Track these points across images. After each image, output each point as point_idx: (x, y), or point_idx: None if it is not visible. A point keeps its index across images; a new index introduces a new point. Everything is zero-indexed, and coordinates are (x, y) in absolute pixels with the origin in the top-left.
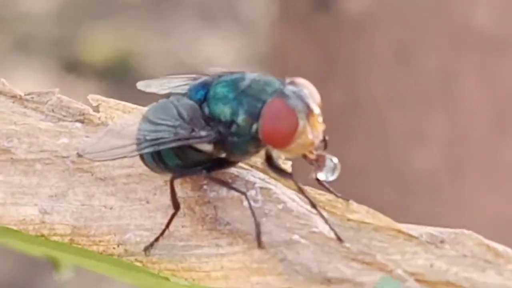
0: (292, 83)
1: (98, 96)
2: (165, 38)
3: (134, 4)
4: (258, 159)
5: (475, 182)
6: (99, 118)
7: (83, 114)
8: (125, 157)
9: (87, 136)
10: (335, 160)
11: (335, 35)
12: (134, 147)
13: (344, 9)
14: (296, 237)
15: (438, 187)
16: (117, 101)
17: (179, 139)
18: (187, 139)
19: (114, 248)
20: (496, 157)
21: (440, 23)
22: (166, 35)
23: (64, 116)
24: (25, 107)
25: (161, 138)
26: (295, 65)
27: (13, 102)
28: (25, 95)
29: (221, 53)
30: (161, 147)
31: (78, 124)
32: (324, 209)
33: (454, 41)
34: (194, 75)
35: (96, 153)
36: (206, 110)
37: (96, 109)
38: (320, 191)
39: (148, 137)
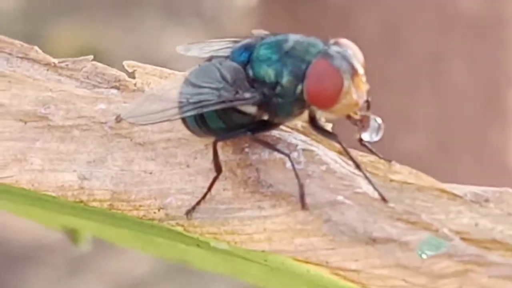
0: (336, 43)
1: (134, 62)
2: (130, 34)
3: (99, 1)
4: (299, 121)
5: (464, 162)
6: (135, 84)
7: (119, 80)
8: (168, 120)
9: (124, 102)
10: (379, 120)
11: (320, 21)
12: (177, 110)
13: None
14: (340, 197)
15: (427, 169)
16: (154, 67)
17: (223, 101)
18: (231, 101)
19: (155, 212)
20: (483, 138)
21: (427, 6)
22: (131, 31)
23: (100, 82)
24: (60, 74)
25: (205, 100)
26: None
27: (47, 70)
28: (59, 62)
29: None
30: (205, 110)
31: (114, 91)
32: (367, 170)
33: (441, 24)
34: (234, 38)
35: (139, 117)
36: (250, 72)
37: (132, 75)
38: (361, 153)
39: (191, 100)
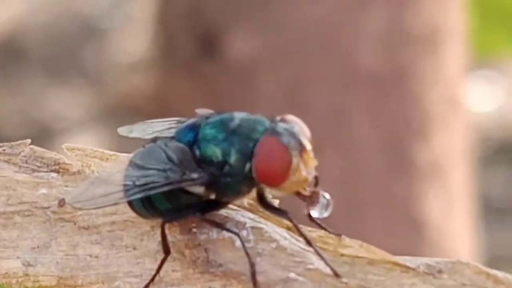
0: (282, 120)
1: (73, 145)
2: (13, 96)
3: None
4: (245, 199)
5: (371, 218)
6: (74, 167)
7: (58, 163)
8: (115, 204)
9: (66, 186)
10: (328, 196)
11: (221, 81)
12: (123, 193)
13: (229, 54)
14: (292, 275)
15: (335, 225)
16: (94, 148)
17: (170, 183)
18: (179, 182)
19: None
20: (389, 192)
21: (327, 63)
22: (13, 93)
23: (39, 166)
24: None
25: (152, 182)
26: (179, 113)
27: None
28: None
29: (70, 108)
30: (152, 192)
31: (54, 174)
32: (317, 245)
33: (342, 80)
34: (177, 119)
35: (85, 202)
36: (197, 152)
37: (71, 158)
38: (310, 228)
39: (137, 183)
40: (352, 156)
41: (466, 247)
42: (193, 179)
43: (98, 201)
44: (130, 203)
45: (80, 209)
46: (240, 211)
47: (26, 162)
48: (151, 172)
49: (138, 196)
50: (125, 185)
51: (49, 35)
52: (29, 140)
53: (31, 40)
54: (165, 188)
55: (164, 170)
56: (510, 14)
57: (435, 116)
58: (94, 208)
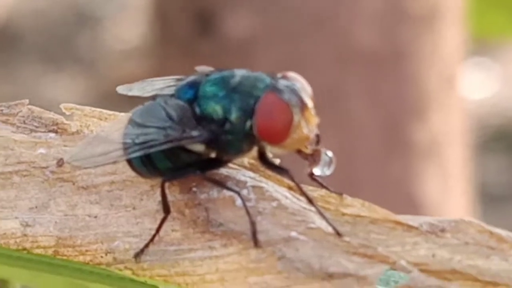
0: (283, 77)
1: (72, 105)
2: (8, 82)
3: None
4: (246, 158)
5: (367, 197)
6: (73, 127)
7: (57, 123)
8: (114, 162)
9: (65, 146)
10: (330, 154)
11: (218, 60)
12: (122, 151)
13: (226, 33)
14: (294, 234)
15: None
16: (93, 108)
17: (170, 141)
18: (179, 140)
19: (102, 256)
20: (385, 171)
21: (324, 42)
22: (8, 79)
23: (37, 127)
24: None
25: (151, 140)
26: None
27: None
28: None
29: (66, 95)
30: (152, 150)
31: (53, 134)
32: (318, 205)
33: (339, 60)
34: (176, 77)
35: (83, 160)
36: (197, 109)
37: (70, 117)
38: (311, 187)
39: (137, 141)
40: (348, 135)
41: None
42: (193, 137)
43: (97, 159)
44: (129, 162)
45: (79, 167)
46: (241, 170)
47: (24, 122)
48: (150, 130)
49: (138, 154)
50: (124, 143)
51: (43, 22)
52: (27, 100)
53: (25, 27)
54: (165, 146)
55: (163, 128)
56: None
57: (432, 96)
58: (93, 167)
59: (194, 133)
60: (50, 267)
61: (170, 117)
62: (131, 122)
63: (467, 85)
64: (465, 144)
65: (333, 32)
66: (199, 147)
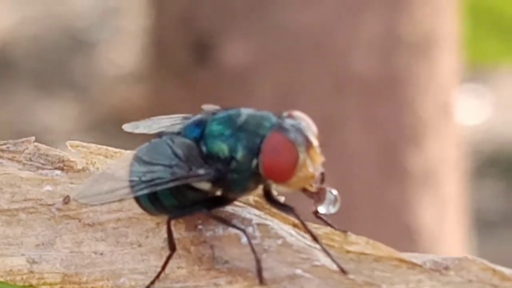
0: (289, 116)
1: (78, 142)
2: (1, 108)
3: None
4: (250, 196)
5: (364, 225)
6: (79, 164)
7: (63, 161)
8: (121, 199)
9: (71, 183)
10: (335, 192)
11: (214, 88)
12: (129, 189)
13: (222, 60)
14: (299, 271)
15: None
16: (99, 146)
17: (177, 179)
18: (185, 178)
19: None
20: (382, 199)
21: (321, 68)
22: (1, 105)
23: (43, 164)
24: (0, 157)
25: (158, 178)
26: None
27: None
28: None
29: (59, 120)
30: (158, 188)
31: (59, 172)
32: (322, 242)
33: (336, 86)
34: (183, 115)
35: (90, 197)
36: (203, 148)
37: (76, 155)
38: (315, 225)
39: (143, 178)
40: (345, 162)
41: (458, 255)
42: (199, 175)
43: (103, 197)
44: (137, 199)
45: (86, 205)
46: (246, 208)
47: (30, 160)
48: (157, 167)
49: (144, 192)
50: (131, 180)
51: (37, 48)
52: (33, 138)
53: (19, 52)
54: (172, 184)
55: (170, 166)
56: (503, 25)
57: (428, 123)
58: (100, 204)
59: (201, 171)
60: None
61: (176, 155)
62: (137, 159)
63: (460, 111)
64: (461, 171)
65: (330, 59)
66: (205, 185)
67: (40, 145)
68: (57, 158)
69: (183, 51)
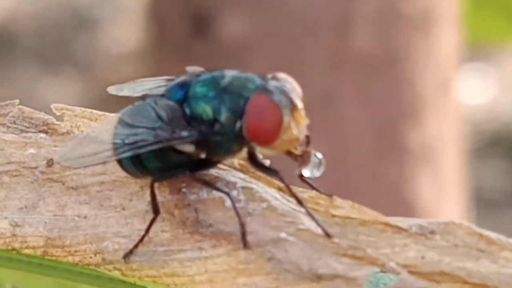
0: (274, 78)
1: (62, 105)
2: (4, 85)
3: None
4: (235, 160)
5: (361, 201)
6: (63, 127)
7: (47, 124)
8: (104, 162)
9: (55, 146)
10: (320, 155)
11: (213, 62)
12: (112, 151)
13: (221, 35)
14: (283, 235)
15: None
16: (83, 109)
17: (160, 141)
18: (169, 140)
19: (91, 257)
20: (379, 175)
21: (319, 44)
22: (4, 82)
23: (27, 127)
24: None
25: (141, 140)
26: None
27: None
28: None
29: (62, 98)
30: (141, 150)
31: (43, 135)
32: (307, 206)
33: (333, 62)
34: (167, 77)
35: (73, 160)
36: (187, 110)
37: (60, 118)
38: (301, 188)
39: (127, 141)
40: (342, 138)
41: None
42: (183, 137)
43: (87, 159)
44: (120, 162)
45: (69, 167)
46: (231, 171)
47: (14, 123)
48: (140, 130)
49: (128, 154)
50: (114, 143)
51: (40, 25)
52: (17, 101)
53: (22, 30)
54: (155, 146)
55: (153, 128)
56: (505, 2)
57: (427, 99)
58: (83, 167)
59: (184, 133)
60: (39, 268)
61: (160, 118)
62: (121, 122)
63: (463, 91)
64: (460, 149)
65: (327, 34)
66: (189, 148)
67: (24, 108)
68: (41, 121)
69: (182, 25)
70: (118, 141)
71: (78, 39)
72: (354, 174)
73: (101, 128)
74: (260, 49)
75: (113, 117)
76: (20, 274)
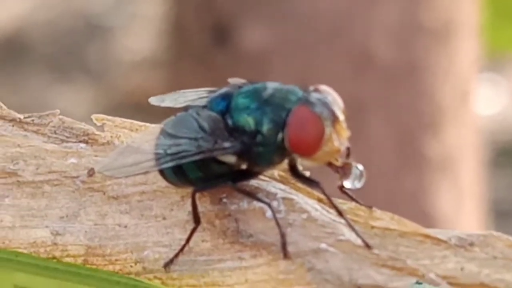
0: (316, 90)
1: (103, 116)
2: (17, 93)
3: None
4: (276, 171)
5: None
6: (104, 137)
7: (87, 134)
8: (146, 172)
9: (96, 156)
10: (361, 167)
11: (233, 72)
12: (154, 162)
13: (241, 44)
14: (323, 245)
15: None
16: (123, 119)
17: (202, 152)
18: (211, 151)
19: (131, 266)
20: (399, 184)
21: (339, 54)
22: (17, 90)
23: (68, 137)
24: (25, 130)
25: (183, 151)
26: None
27: (13, 126)
28: (24, 117)
29: (74, 106)
30: (183, 161)
31: (83, 145)
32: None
33: (354, 72)
34: (208, 89)
35: (115, 170)
36: (229, 121)
37: (100, 128)
38: (340, 200)
39: (169, 151)
40: (362, 148)
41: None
42: (225, 148)
43: (128, 169)
44: (161, 172)
45: (111, 177)
46: (271, 182)
47: (55, 133)
48: (182, 140)
49: (170, 165)
50: (156, 153)
51: (53, 33)
52: (58, 111)
53: (35, 37)
54: (197, 157)
55: (195, 139)
56: None
57: (446, 110)
58: (125, 177)
59: (226, 144)
60: (77, 277)
61: (202, 128)
62: (163, 132)
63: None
64: (478, 159)
65: (348, 44)
66: (230, 159)
67: (65, 118)
68: (81, 131)
69: (202, 34)
70: (160, 151)
71: (90, 46)
72: (374, 182)
73: (143, 138)
74: (280, 58)
75: (154, 127)
76: (57, 284)
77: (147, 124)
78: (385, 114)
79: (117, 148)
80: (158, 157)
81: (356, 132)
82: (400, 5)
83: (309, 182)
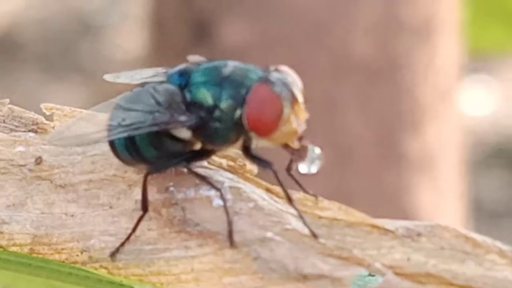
0: (276, 70)
1: (52, 105)
2: (8, 92)
3: None
4: (224, 160)
5: (360, 207)
6: (53, 127)
7: (36, 123)
8: (97, 142)
9: (44, 144)
10: (318, 150)
11: None
12: (107, 132)
13: (222, 41)
14: (269, 234)
15: None
16: (73, 108)
17: (157, 124)
18: (166, 123)
19: (77, 255)
20: (379, 182)
21: (319, 52)
22: (9, 89)
23: (17, 126)
24: None
25: (137, 123)
26: None
27: None
28: None
29: (66, 104)
30: (137, 132)
31: (32, 134)
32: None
33: (334, 70)
34: (165, 68)
35: (66, 139)
36: (187, 95)
37: (50, 117)
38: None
39: (123, 123)
40: (342, 146)
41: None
42: (180, 121)
43: (79, 139)
44: (113, 147)
45: (62, 146)
46: (219, 171)
47: (4, 122)
48: (137, 113)
49: (123, 135)
50: (109, 125)
51: (45, 32)
52: (7, 100)
53: (27, 36)
54: (151, 129)
55: (151, 112)
56: (506, 12)
57: (427, 108)
58: (76, 146)
59: (182, 118)
60: (28, 268)
61: (158, 103)
62: (118, 106)
63: (466, 102)
64: (460, 159)
65: (328, 42)
66: (185, 134)
67: (14, 107)
68: (31, 120)
69: (183, 31)
70: (114, 123)
71: (83, 45)
72: (353, 180)
73: (98, 111)
74: (261, 55)
75: (109, 102)
76: (10, 275)
77: (97, 114)
78: (364, 112)
79: (70, 119)
80: (111, 128)
81: (336, 129)
82: (380, 2)
83: (262, 163)
